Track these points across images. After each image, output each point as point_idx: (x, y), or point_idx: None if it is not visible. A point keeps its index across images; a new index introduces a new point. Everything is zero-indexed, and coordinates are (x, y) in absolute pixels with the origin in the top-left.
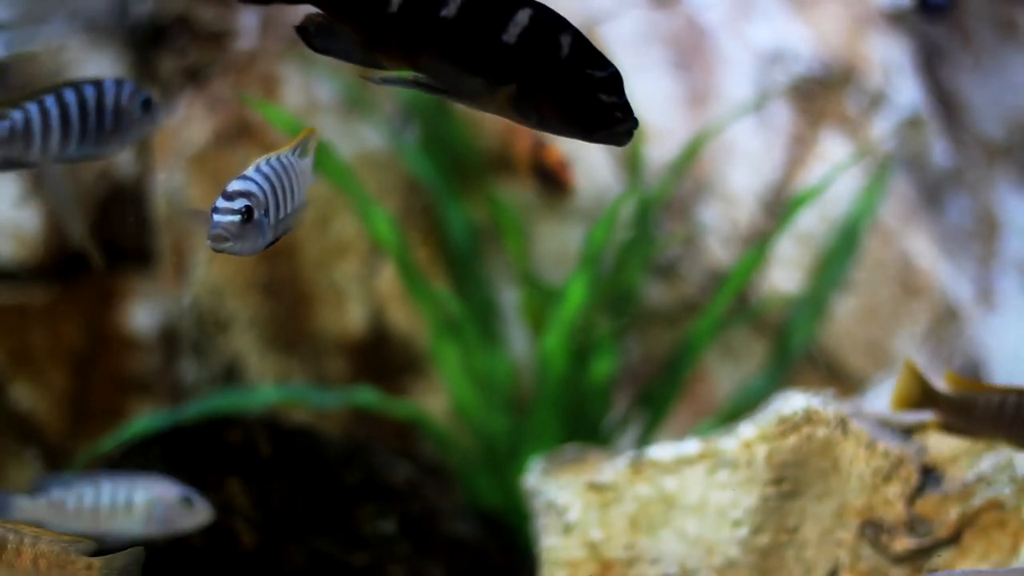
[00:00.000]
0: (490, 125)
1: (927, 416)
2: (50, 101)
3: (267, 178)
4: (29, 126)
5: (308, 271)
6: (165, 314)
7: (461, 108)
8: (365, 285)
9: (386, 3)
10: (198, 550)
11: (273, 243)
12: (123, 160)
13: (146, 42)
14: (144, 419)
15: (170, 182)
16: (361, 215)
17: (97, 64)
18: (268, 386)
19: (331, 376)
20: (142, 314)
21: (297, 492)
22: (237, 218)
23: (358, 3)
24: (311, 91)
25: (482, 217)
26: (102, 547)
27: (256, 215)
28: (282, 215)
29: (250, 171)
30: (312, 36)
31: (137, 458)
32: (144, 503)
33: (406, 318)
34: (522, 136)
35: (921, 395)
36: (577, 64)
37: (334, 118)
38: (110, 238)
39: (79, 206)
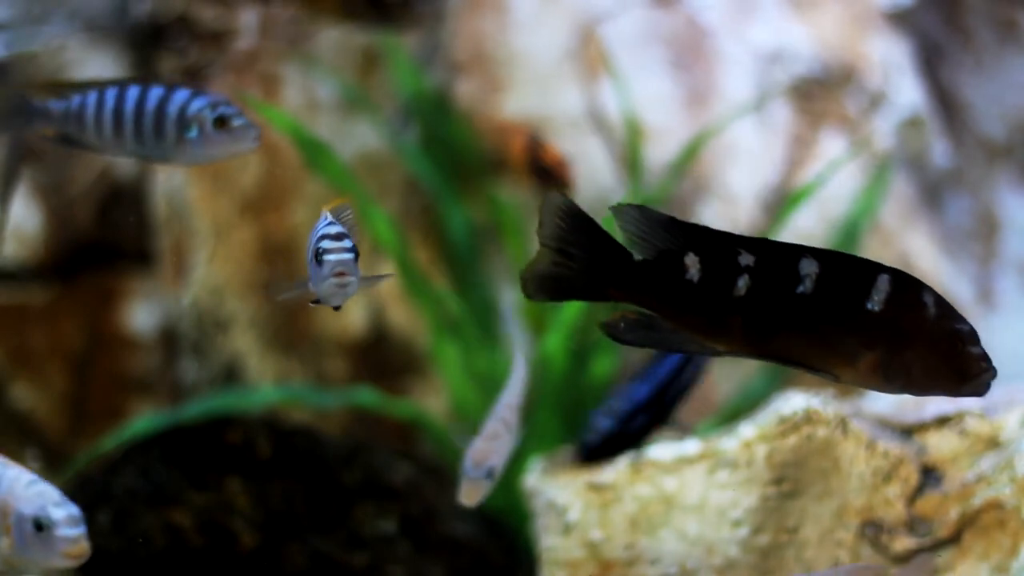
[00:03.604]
0: (489, 126)
1: (926, 415)
2: (111, 93)
3: (343, 224)
4: (83, 111)
5: (308, 271)
6: (165, 314)
7: (461, 108)
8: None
9: (730, 289)
10: (198, 550)
11: None
12: (123, 160)
13: (146, 42)
14: (144, 419)
15: (170, 182)
16: (361, 215)
17: (97, 64)
18: (268, 386)
19: (331, 376)
20: (142, 314)
21: (297, 492)
22: (351, 255)
23: (694, 295)
24: (311, 91)
25: (482, 217)
26: None
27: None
28: None
29: (329, 218)
30: (623, 332)
31: (137, 458)
32: None
33: (406, 318)
34: (516, 136)
35: None
36: (945, 321)
37: (334, 118)
38: (110, 238)
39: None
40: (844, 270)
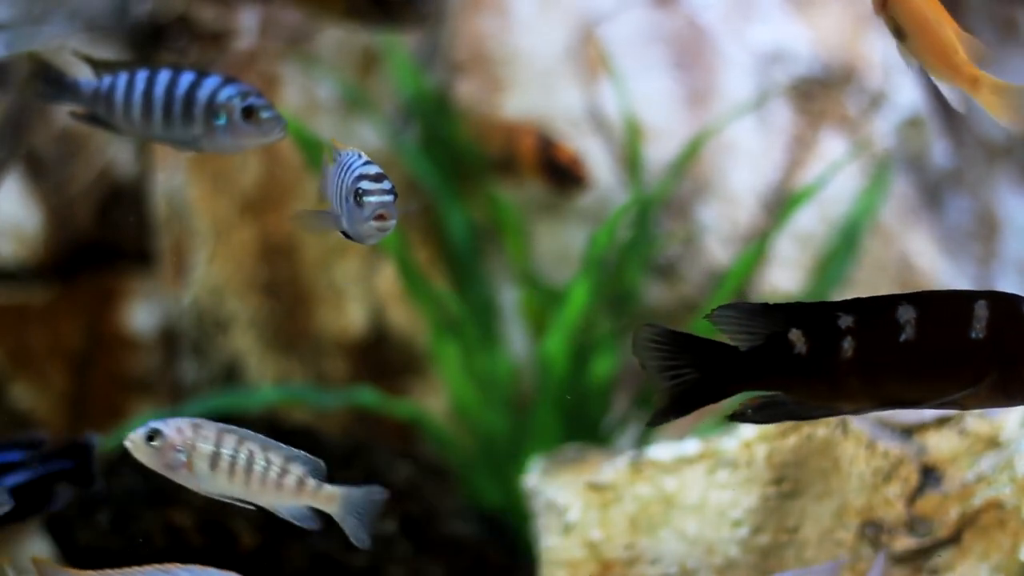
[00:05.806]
0: (494, 126)
1: (926, 415)
2: (142, 75)
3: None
4: (112, 92)
5: (308, 271)
6: (165, 314)
7: (461, 108)
8: (365, 285)
9: (838, 353)
10: (198, 550)
11: None
12: (123, 160)
13: (146, 42)
14: (144, 419)
15: (170, 182)
16: None
17: None
18: (268, 386)
19: (331, 376)
20: (142, 314)
21: None
22: (392, 197)
23: (807, 367)
24: (311, 91)
25: (482, 217)
26: None
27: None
28: None
29: (364, 157)
30: (753, 416)
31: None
32: None
33: (406, 318)
34: (524, 137)
35: None
36: None
37: (334, 118)
38: (110, 238)
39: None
40: (941, 307)
